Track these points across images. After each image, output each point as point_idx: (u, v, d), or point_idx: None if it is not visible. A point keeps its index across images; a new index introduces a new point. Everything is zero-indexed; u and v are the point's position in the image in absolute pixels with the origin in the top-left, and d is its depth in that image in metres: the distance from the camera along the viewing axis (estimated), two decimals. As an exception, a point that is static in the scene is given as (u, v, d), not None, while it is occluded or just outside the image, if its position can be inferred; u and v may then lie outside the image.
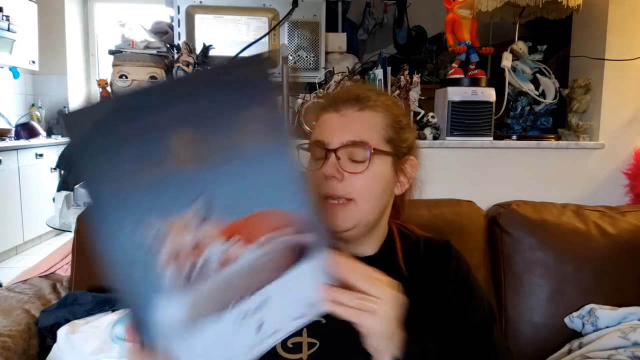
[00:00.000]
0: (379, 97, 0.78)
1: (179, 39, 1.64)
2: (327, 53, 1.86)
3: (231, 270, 0.47)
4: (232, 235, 0.46)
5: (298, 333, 0.72)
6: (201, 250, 0.45)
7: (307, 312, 0.54)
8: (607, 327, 1.25)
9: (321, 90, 1.64)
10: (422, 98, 1.67)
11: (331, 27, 2.88)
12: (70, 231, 1.95)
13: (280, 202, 0.49)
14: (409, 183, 0.80)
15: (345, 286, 0.55)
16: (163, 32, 1.81)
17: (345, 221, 0.73)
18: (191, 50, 1.60)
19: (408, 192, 0.85)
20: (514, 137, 1.69)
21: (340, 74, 1.68)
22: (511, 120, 1.78)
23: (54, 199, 2.20)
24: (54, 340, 1.08)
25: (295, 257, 0.51)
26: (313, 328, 0.70)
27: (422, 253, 0.83)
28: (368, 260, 0.76)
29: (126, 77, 1.54)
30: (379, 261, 0.77)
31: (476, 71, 1.67)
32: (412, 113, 1.60)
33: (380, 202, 0.76)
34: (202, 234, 0.45)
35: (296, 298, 0.53)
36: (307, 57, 1.74)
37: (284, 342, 0.71)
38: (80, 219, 1.30)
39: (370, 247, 0.80)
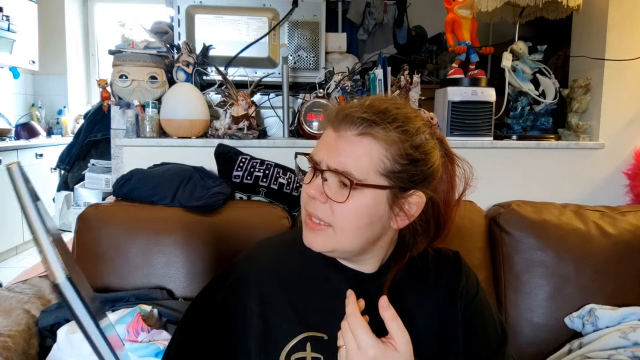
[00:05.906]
0: (394, 122, 0.68)
1: (179, 39, 1.64)
2: (327, 53, 1.86)
3: None
4: None
5: (302, 348, 0.71)
6: None
7: None
8: (607, 327, 1.25)
9: (321, 90, 1.64)
10: (422, 98, 1.67)
11: (331, 27, 2.88)
12: (70, 231, 1.94)
13: None
14: (409, 220, 0.72)
15: None
16: (163, 32, 1.81)
17: (323, 245, 0.71)
18: (191, 50, 1.60)
19: (448, 218, 0.77)
20: (514, 137, 1.69)
21: (340, 74, 1.68)
22: (511, 120, 1.78)
23: (54, 199, 2.20)
24: (54, 340, 1.08)
25: None
26: (316, 344, 0.71)
27: (431, 267, 0.82)
28: (364, 279, 0.77)
29: (126, 77, 1.54)
30: (373, 281, 0.77)
31: (476, 71, 1.67)
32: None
33: (363, 234, 0.70)
34: None
35: None
36: (307, 57, 1.74)
37: (288, 358, 0.71)
38: (80, 219, 1.30)
39: (368, 266, 0.77)
